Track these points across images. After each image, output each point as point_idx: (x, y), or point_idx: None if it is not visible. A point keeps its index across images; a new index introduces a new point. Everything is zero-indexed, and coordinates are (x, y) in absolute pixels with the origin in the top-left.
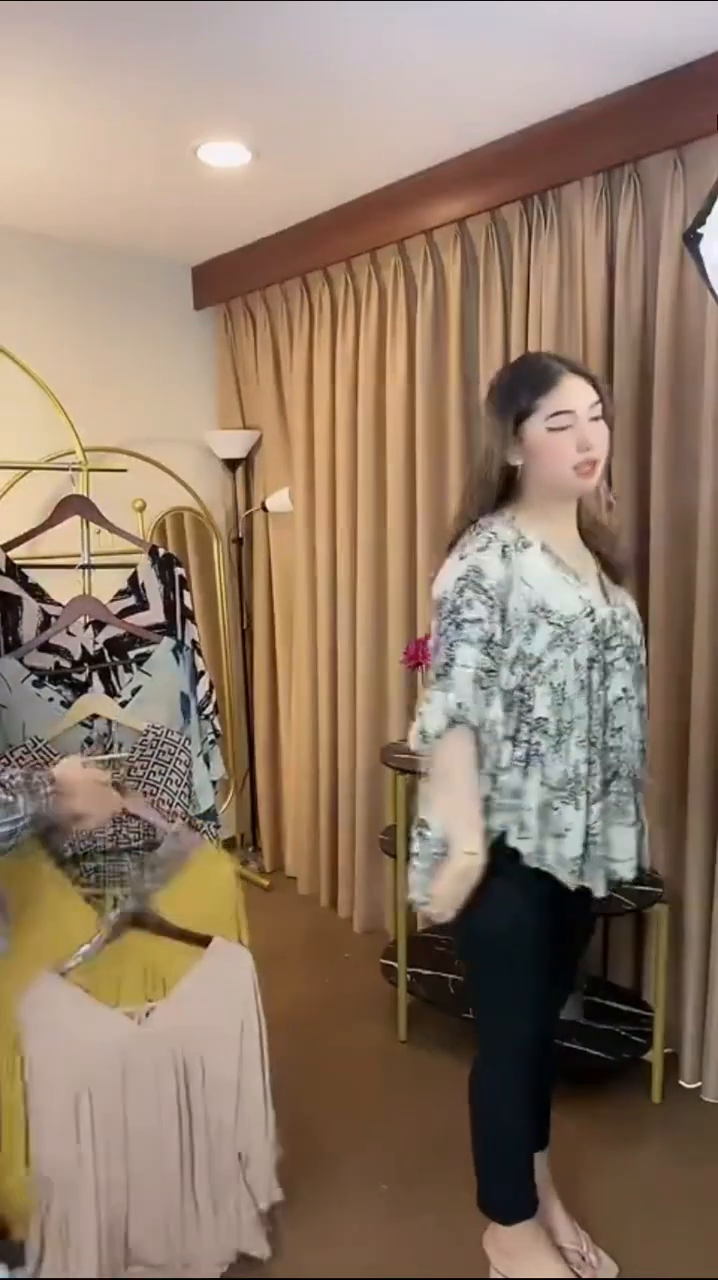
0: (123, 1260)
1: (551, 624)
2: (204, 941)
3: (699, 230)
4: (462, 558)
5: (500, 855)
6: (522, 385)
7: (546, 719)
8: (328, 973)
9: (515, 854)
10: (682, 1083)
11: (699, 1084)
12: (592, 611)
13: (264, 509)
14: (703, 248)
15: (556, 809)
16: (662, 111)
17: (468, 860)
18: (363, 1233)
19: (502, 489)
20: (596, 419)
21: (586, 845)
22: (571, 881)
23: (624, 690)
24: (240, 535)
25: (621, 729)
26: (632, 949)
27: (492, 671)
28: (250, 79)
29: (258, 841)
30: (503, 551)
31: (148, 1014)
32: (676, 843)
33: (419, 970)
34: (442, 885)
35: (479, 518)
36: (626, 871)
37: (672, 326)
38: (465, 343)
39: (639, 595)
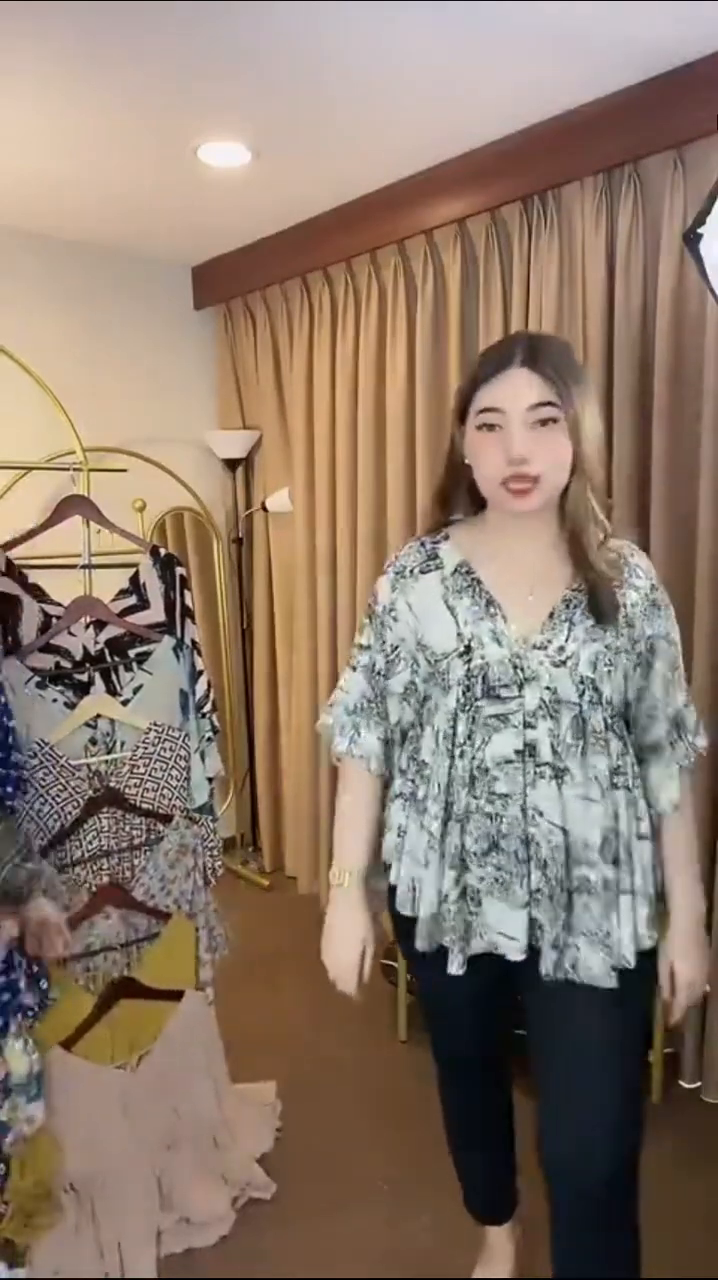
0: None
1: (428, 660)
2: (177, 995)
3: (699, 230)
4: (383, 573)
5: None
6: (476, 366)
7: (426, 764)
8: (327, 972)
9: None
10: (682, 1083)
11: (699, 1084)
12: (467, 650)
13: (264, 509)
14: (703, 248)
15: (422, 863)
16: (662, 111)
17: (340, 897)
18: (363, 1232)
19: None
20: (543, 423)
21: (438, 911)
22: (421, 944)
23: (519, 754)
24: (240, 535)
25: (505, 796)
26: None
27: (372, 702)
28: (250, 79)
29: (258, 841)
30: (398, 576)
31: (138, 1062)
32: None
33: None
34: (325, 934)
35: (436, 526)
36: (513, 953)
37: (672, 326)
38: (465, 343)
39: None
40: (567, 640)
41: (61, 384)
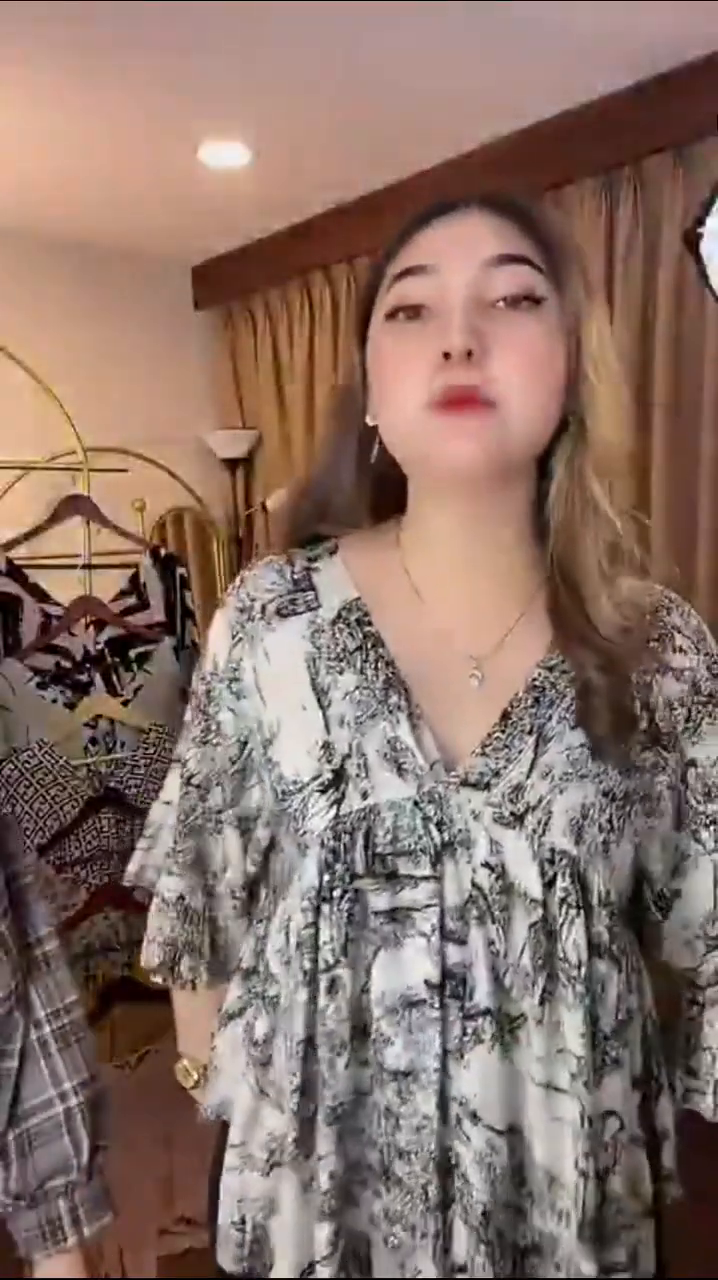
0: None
1: (273, 787)
2: None
3: (699, 230)
4: (221, 605)
5: None
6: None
7: (274, 978)
8: None
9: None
10: None
11: None
12: (336, 779)
13: (264, 509)
14: (703, 248)
15: (272, 1175)
16: (662, 111)
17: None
18: None
19: (375, 483)
20: (512, 303)
21: None
22: None
23: (435, 990)
24: (240, 535)
25: (406, 1075)
26: None
27: (186, 838)
28: (250, 79)
29: None
30: (242, 615)
31: (139, 1061)
32: None
33: None
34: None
35: (304, 530)
36: None
37: (672, 326)
38: None
39: None
40: (529, 772)
41: (61, 384)
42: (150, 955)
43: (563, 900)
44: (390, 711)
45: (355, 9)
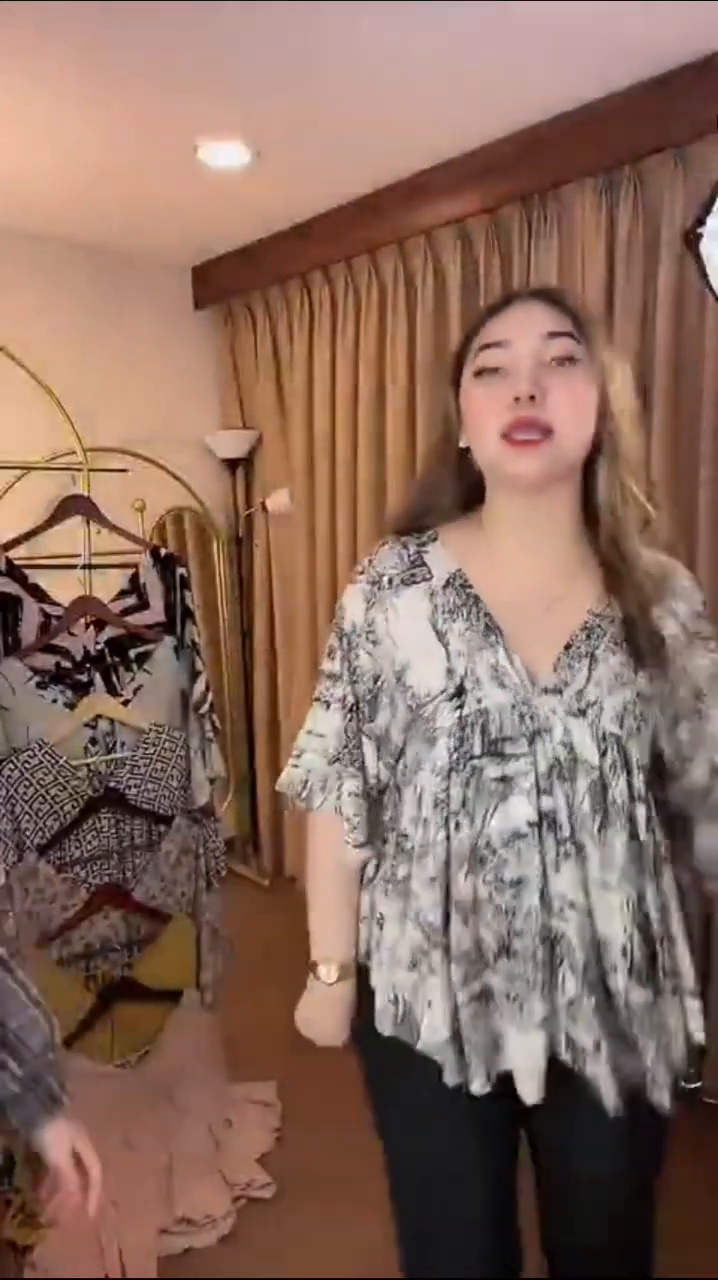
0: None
1: (409, 704)
2: (177, 996)
3: (699, 230)
4: (353, 581)
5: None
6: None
7: (407, 836)
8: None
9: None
10: (682, 1083)
11: (700, 1084)
12: (459, 692)
13: (264, 509)
14: (703, 248)
15: (416, 966)
16: (662, 111)
17: (322, 991)
18: (362, 1231)
19: (465, 487)
20: (561, 362)
21: (456, 1031)
22: (451, 1078)
23: (534, 826)
24: (240, 535)
25: (518, 882)
26: None
27: (350, 748)
28: (250, 79)
29: (258, 841)
30: (373, 587)
31: (139, 1059)
32: None
33: None
34: (301, 1010)
35: (414, 522)
36: (530, 1094)
37: (672, 326)
38: None
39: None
40: (587, 683)
41: (61, 384)
42: (355, 834)
43: (612, 765)
44: (492, 646)
45: (356, 9)
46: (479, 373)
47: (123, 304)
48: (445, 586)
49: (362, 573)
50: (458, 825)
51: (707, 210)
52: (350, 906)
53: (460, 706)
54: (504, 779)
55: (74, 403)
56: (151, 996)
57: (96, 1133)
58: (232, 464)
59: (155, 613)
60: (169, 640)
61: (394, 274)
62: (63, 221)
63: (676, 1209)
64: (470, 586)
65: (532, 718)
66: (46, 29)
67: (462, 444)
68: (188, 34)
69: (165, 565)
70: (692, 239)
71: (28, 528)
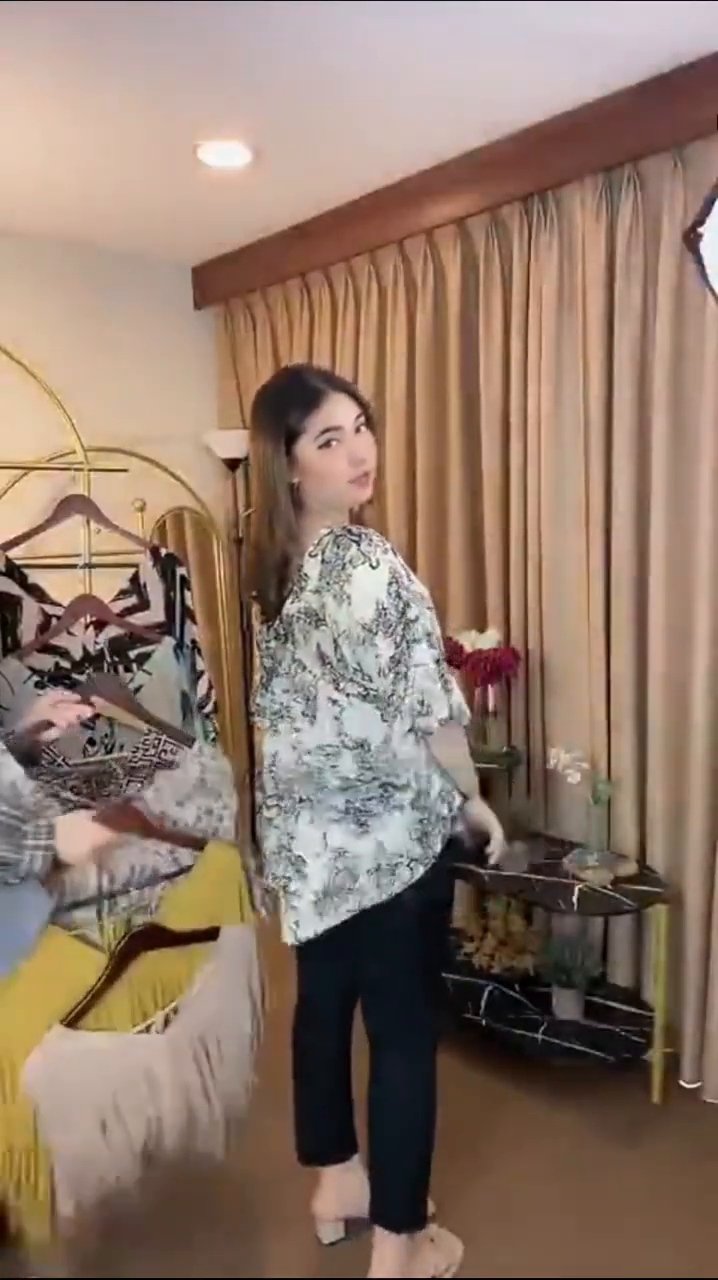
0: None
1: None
2: (212, 935)
3: (699, 230)
4: (373, 566)
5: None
6: (289, 406)
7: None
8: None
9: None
10: (682, 1083)
11: (699, 1084)
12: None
13: None
14: (703, 248)
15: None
16: (662, 111)
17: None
18: (361, 1230)
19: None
20: (359, 431)
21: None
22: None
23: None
24: (240, 535)
25: None
26: (632, 949)
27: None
28: (250, 79)
29: (258, 842)
30: (396, 556)
31: (167, 1021)
32: (675, 843)
33: None
34: (485, 815)
35: (289, 542)
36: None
37: (672, 326)
38: (465, 343)
39: (638, 589)
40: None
41: (62, 384)
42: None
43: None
44: None
45: (356, 9)
46: (322, 445)
47: (123, 304)
48: None
49: (386, 548)
50: None
51: (707, 210)
52: None
53: None
54: None
55: (74, 403)
56: (180, 941)
57: (118, 1119)
58: (231, 464)
59: (155, 612)
60: (169, 640)
61: (394, 274)
62: (63, 221)
63: (681, 1210)
64: None
65: None
66: (47, 29)
67: (293, 480)
68: (188, 34)
69: (165, 565)
70: (692, 239)
71: (28, 528)
